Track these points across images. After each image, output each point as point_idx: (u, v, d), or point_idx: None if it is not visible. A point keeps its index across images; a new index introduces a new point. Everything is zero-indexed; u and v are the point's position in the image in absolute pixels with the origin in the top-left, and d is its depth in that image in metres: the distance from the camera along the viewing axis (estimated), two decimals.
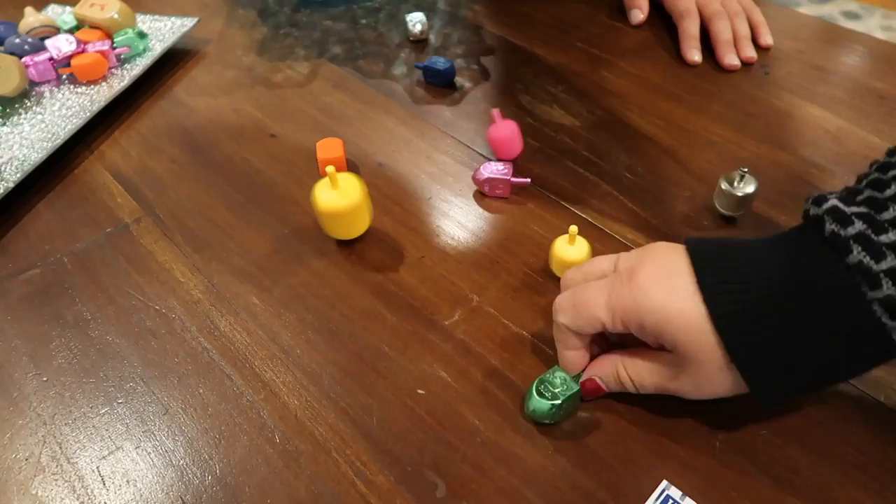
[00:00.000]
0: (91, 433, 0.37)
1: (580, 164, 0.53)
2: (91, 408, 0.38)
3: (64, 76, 0.62)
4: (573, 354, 0.36)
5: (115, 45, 0.63)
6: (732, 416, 0.37)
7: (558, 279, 0.44)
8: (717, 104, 0.59)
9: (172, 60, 0.66)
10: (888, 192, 0.31)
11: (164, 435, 0.37)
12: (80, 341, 0.42)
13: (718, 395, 0.34)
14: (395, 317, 0.43)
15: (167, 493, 0.34)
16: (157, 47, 0.64)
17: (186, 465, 0.36)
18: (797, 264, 0.31)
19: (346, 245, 0.47)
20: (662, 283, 0.32)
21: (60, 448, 0.36)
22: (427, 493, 0.34)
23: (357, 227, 0.45)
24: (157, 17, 0.68)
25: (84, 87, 0.60)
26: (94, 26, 0.65)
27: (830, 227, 0.31)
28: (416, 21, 0.67)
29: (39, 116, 0.57)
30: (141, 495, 0.34)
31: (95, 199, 0.51)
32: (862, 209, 0.31)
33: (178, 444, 0.36)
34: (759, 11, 0.67)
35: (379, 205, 0.50)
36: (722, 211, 0.47)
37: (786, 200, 0.49)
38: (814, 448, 0.36)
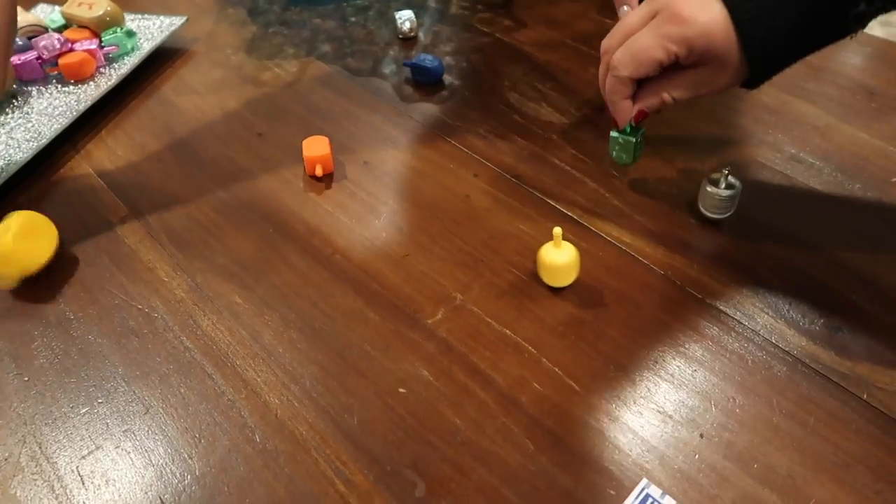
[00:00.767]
0: (71, 433, 0.37)
1: (567, 162, 0.53)
2: (72, 407, 0.38)
3: (51, 75, 0.62)
4: (627, 103, 0.43)
5: (102, 44, 0.63)
6: (712, 416, 0.37)
7: (543, 282, 0.43)
8: (705, 101, 0.58)
9: (161, 59, 0.66)
10: None
11: (144, 434, 0.37)
12: (61, 341, 0.42)
13: (729, 85, 0.41)
14: (377, 316, 0.42)
15: (146, 493, 0.34)
16: (145, 46, 0.64)
17: (166, 464, 0.35)
18: None
19: (329, 244, 0.47)
20: (701, 12, 0.38)
21: (40, 448, 0.36)
22: (406, 492, 0.34)
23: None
24: (145, 15, 0.68)
25: (71, 87, 0.60)
26: (81, 25, 0.65)
27: None
28: (405, 19, 0.66)
29: (26, 116, 0.57)
30: (120, 495, 0.34)
31: (81, 198, 0.51)
32: None
33: (158, 443, 0.36)
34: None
35: (364, 203, 0.50)
36: (706, 213, 0.47)
37: (777, 201, 0.49)
38: (794, 446, 0.35)
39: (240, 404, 0.38)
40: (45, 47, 0.61)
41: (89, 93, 0.59)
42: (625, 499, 0.34)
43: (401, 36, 0.67)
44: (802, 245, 0.46)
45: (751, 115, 0.57)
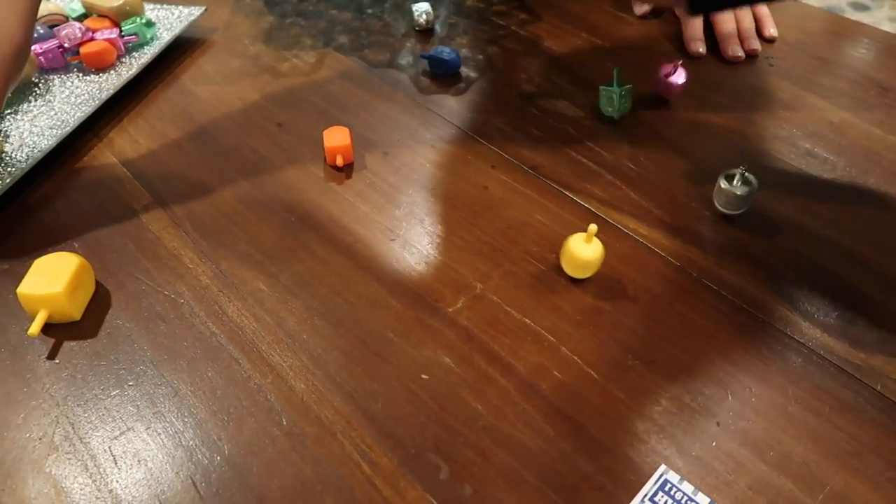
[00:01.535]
0: (103, 414, 0.38)
1: (583, 155, 0.54)
2: (102, 389, 0.39)
3: (72, 64, 0.62)
4: None
5: (122, 33, 0.64)
6: (728, 405, 0.38)
7: (562, 271, 0.44)
8: (720, 96, 0.59)
9: (179, 49, 0.66)
10: None
11: (173, 416, 0.38)
12: (91, 325, 0.42)
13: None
14: (399, 303, 0.43)
15: (177, 473, 0.35)
16: (164, 36, 0.65)
17: (196, 445, 0.36)
18: None
19: (351, 233, 0.48)
20: None
21: (73, 428, 0.37)
22: (430, 474, 0.35)
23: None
24: (164, 5, 0.69)
25: (92, 75, 0.61)
26: (102, 15, 0.66)
27: None
28: (421, 11, 0.67)
29: (48, 104, 0.58)
30: (152, 474, 0.35)
31: (104, 186, 0.52)
32: None
33: (188, 425, 0.37)
34: (764, 3, 0.67)
35: (384, 193, 0.51)
36: (721, 209, 0.47)
37: (791, 194, 0.50)
38: (809, 435, 0.36)
39: (266, 388, 0.39)
40: (66, 36, 0.61)
41: (110, 81, 0.60)
42: (643, 484, 0.35)
43: (417, 28, 0.68)
44: (817, 239, 0.46)
45: (766, 110, 0.57)
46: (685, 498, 0.34)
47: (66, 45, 0.62)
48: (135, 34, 0.64)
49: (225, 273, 0.45)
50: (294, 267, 0.46)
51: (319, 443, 0.36)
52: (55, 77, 0.61)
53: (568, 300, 0.43)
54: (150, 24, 0.64)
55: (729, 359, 0.40)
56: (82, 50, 0.61)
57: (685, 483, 0.35)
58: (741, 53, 0.62)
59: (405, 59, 0.64)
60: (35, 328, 0.40)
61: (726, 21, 0.64)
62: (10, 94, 0.52)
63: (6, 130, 0.56)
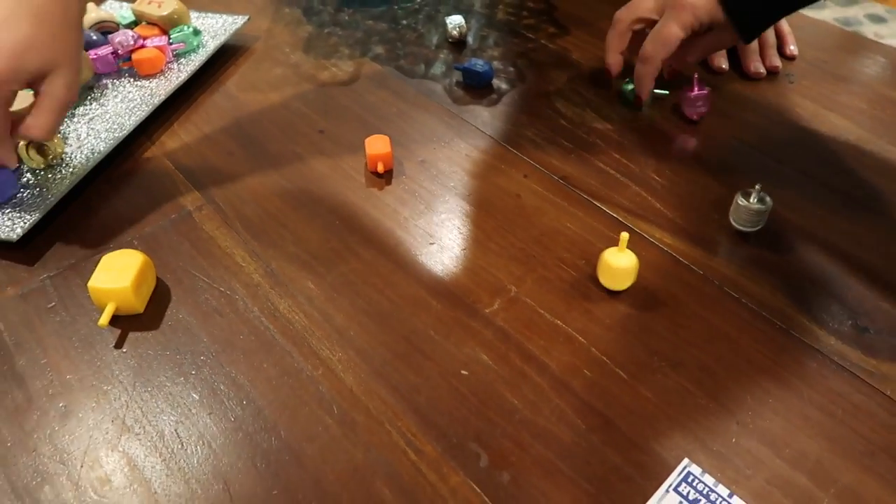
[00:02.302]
0: (169, 399, 0.41)
1: (611, 166, 0.56)
2: (167, 377, 0.42)
3: (124, 69, 0.66)
4: (652, 79, 0.60)
5: (171, 40, 0.67)
6: (748, 405, 0.40)
7: (592, 277, 0.47)
8: (743, 111, 0.62)
9: (224, 56, 0.70)
10: None
11: (233, 403, 0.41)
12: (154, 317, 0.46)
13: (730, 43, 0.61)
14: (439, 304, 0.46)
15: (239, 455, 0.38)
16: (210, 44, 0.68)
17: (255, 430, 0.40)
18: None
19: (392, 236, 0.51)
20: None
21: (142, 412, 0.40)
22: (471, 462, 0.38)
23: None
24: (209, 14, 0.72)
25: (143, 81, 0.64)
26: (151, 23, 0.69)
27: None
28: (455, 24, 0.70)
29: (103, 107, 0.61)
30: (215, 455, 0.39)
31: (159, 186, 0.55)
32: None
33: (247, 412, 0.40)
34: (786, 21, 0.69)
35: (422, 199, 0.54)
36: (737, 226, 0.50)
37: (809, 208, 0.52)
38: (823, 435, 0.39)
39: (317, 380, 0.42)
40: (119, 43, 0.65)
41: (161, 87, 0.63)
42: (668, 475, 0.38)
43: (450, 39, 0.71)
44: (834, 251, 0.49)
45: (786, 127, 0.60)
46: (707, 489, 0.37)
47: (118, 51, 0.65)
48: (182, 42, 0.67)
49: (275, 272, 0.49)
50: (340, 267, 0.49)
51: (369, 431, 0.40)
52: (108, 81, 0.65)
53: (597, 304, 0.46)
54: (196, 32, 0.68)
55: (749, 363, 0.43)
56: (134, 56, 0.64)
57: (707, 476, 0.37)
58: (763, 71, 0.65)
59: (439, 70, 0.67)
60: (104, 319, 0.44)
61: None
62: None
63: (65, 132, 0.59)
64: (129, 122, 0.59)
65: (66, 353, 0.44)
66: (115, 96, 0.63)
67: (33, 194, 0.53)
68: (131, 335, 0.45)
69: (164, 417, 0.40)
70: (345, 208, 0.53)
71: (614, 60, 0.62)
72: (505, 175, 0.56)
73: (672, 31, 0.57)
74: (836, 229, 0.51)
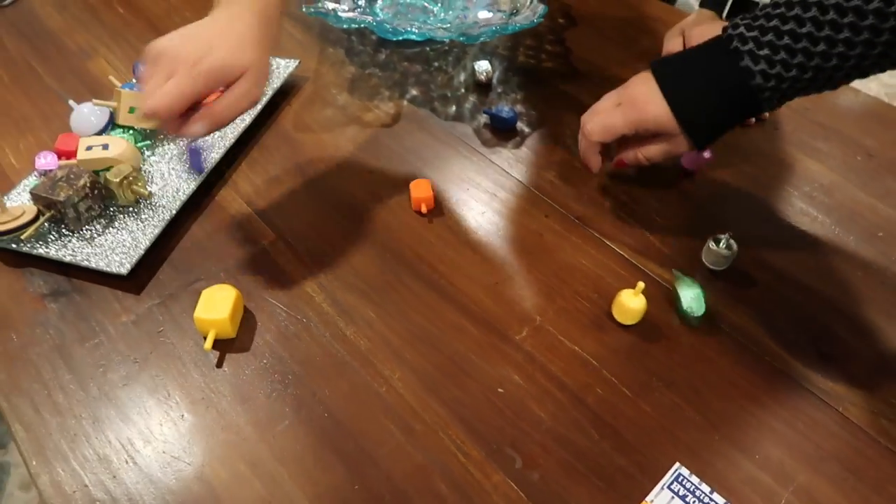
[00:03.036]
0: (265, 410, 0.51)
1: (619, 207, 0.66)
2: (261, 391, 0.53)
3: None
4: (597, 157, 0.63)
5: None
6: (726, 417, 0.51)
7: (603, 309, 0.57)
8: (735, 157, 0.71)
9: (279, 96, 0.79)
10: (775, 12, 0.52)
11: (317, 413, 0.51)
12: (244, 341, 0.56)
13: (686, 149, 0.59)
14: (476, 331, 0.56)
15: (324, 449, 0.49)
16: (268, 88, 0.77)
17: (336, 437, 0.50)
18: (715, 66, 0.55)
19: (436, 270, 0.61)
20: (650, 102, 0.57)
21: (244, 421, 0.51)
22: (508, 464, 0.49)
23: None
24: None
25: None
26: None
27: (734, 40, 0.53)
28: (482, 69, 0.79)
29: (180, 149, 0.71)
30: (307, 454, 0.49)
31: (235, 223, 0.65)
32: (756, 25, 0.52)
33: (327, 421, 0.51)
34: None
35: (458, 236, 0.64)
36: (708, 265, 0.60)
37: (781, 245, 0.62)
38: (785, 443, 0.49)
39: (382, 395, 0.52)
40: None
41: (230, 129, 0.72)
42: (663, 475, 0.48)
43: (477, 82, 0.80)
44: (801, 285, 0.59)
45: (770, 171, 0.69)
46: (693, 487, 0.47)
47: None
48: None
49: (340, 302, 0.59)
50: (392, 297, 0.59)
51: (426, 437, 0.50)
52: None
53: (608, 332, 0.56)
54: None
55: (727, 381, 0.53)
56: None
57: (694, 477, 0.48)
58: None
59: (468, 110, 0.77)
60: (209, 345, 0.54)
61: None
62: (147, 141, 0.65)
63: (150, 172, 0.68)
64: (208, 163, 0.68)
65: (179, 371, 0.54)
66: (188, 137, 0.72)
67: (132, 231, 0.63)
68: (228, 356, 0.55)
69: (262, 425, 0.51)
70: (395, 244, 0.63)
71: (593, 162, 0.64)
72: (528, 215, 0.66)
73: (614, 122, 0.59)
74: (806, 267, 0.61)
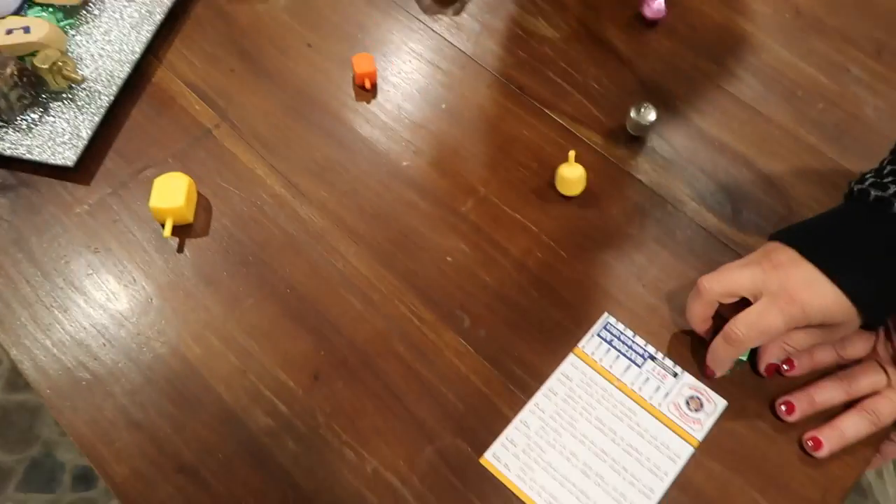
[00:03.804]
0: (230, 290, 0.55)
1: (559, 75, 0.68)
2: (225, 273, 0.56)
3: None
4: (709, 324, 0.53)
5: None
6: (651, 274, 0.57)
7: (544, 178, 0.61)
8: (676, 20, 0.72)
9: None
10: None
11: (281, 289, 0.55)
12: (202, 226, 0.58)
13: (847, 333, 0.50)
14: (426, 204, 0.60)
15: (292, 329, 0.54)
16: None
17: (303, 308, 0.54)
18: (870, 230, 0.48)
19: (382, 146, 0.63)
20: (814, 292, 0.47)
21: (208, 303, 0.54)
22: (458, 324, 0.54)
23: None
24: None
25: None
26: None
27: (875, 193, 0.48)
28: None
29: (106, 26, 0.67)
30: (275, 331, 0.53)
31: (177, 106, 0.64)
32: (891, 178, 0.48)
33: (292, 295, 0.55)
34: None
35: (403, 110, 0.65)
36: (631, 132, 0.63)
37: (711, 109, 0.66)
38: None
39: (339, 268, 0.56)
40: None
41: (157, 3, 0.69)
42: (594, 324, 0.55)
43: None
44: (725, 148, 0.64)
45: (707, 38, 0.71)
46: (619, 332, 0.54)
47: None
48: None
49: (293, 183, 0.60)
50: (344, 177, 0.61)
51: (383, 305, 0.55)
52: None
53: (546, 199, 0.60)
54: None
55: (656, 240, 0.59)
56: None
57: (619, 324, 0.55)
58: None
59: None
60: (167, 231, 0.56)
61: None
62: (71, 19, 0.62)
63: (78, 54, 0.66)
64: (137, 43, 0.66)
65: (142, 258, 0.56)
66: (114, 13, 0.69)
67: (70, 119, 0.62)
68: (188, 241, 0.57)
69: (227, 305, 0.54)
70: (339, 122, 0.64)
71: (703, 329, 0.53)
72: (469, 86, 0.67)
73: (774, 323, 0.47)
74: (728, 129, 0.65)
